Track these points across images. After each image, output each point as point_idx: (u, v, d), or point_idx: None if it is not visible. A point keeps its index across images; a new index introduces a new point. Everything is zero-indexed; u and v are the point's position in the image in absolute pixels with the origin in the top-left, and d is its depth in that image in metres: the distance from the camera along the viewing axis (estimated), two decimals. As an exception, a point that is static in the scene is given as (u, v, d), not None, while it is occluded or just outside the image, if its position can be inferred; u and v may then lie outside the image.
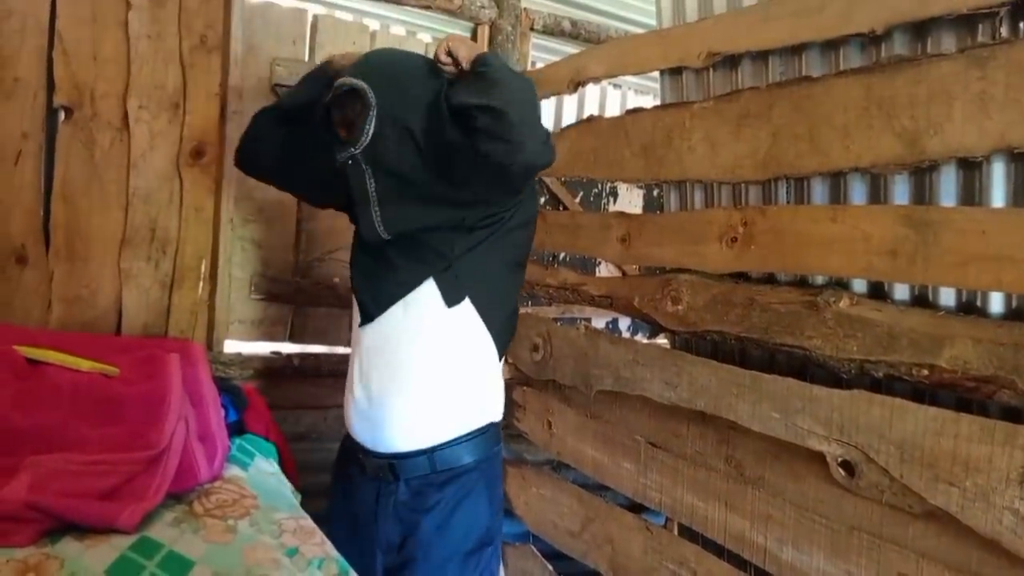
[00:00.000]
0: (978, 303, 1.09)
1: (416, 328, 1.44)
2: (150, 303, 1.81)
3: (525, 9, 2.16)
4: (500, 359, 1.55)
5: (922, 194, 1.15)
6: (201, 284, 1.86)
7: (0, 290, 1.67)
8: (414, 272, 1.43)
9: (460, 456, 1.47)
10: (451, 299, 1.42)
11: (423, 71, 1.41)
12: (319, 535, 1.25)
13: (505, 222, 1.46)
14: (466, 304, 1.44)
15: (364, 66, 1.40)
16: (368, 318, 1.49)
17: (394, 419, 1.45)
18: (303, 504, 1.43)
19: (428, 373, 1.45)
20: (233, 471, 1.40)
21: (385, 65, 1.42)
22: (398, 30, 2.38)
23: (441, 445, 1.46)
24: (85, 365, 1.44)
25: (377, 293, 1.48)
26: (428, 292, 1.43)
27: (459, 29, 2.33)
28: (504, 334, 1.54)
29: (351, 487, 1.56)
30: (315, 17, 2.12)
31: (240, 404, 1.65)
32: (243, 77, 1.93)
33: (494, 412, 1.55)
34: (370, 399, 1.47)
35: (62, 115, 1.72)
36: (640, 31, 2.23)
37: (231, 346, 1.94)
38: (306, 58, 2.08)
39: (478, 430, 1.50)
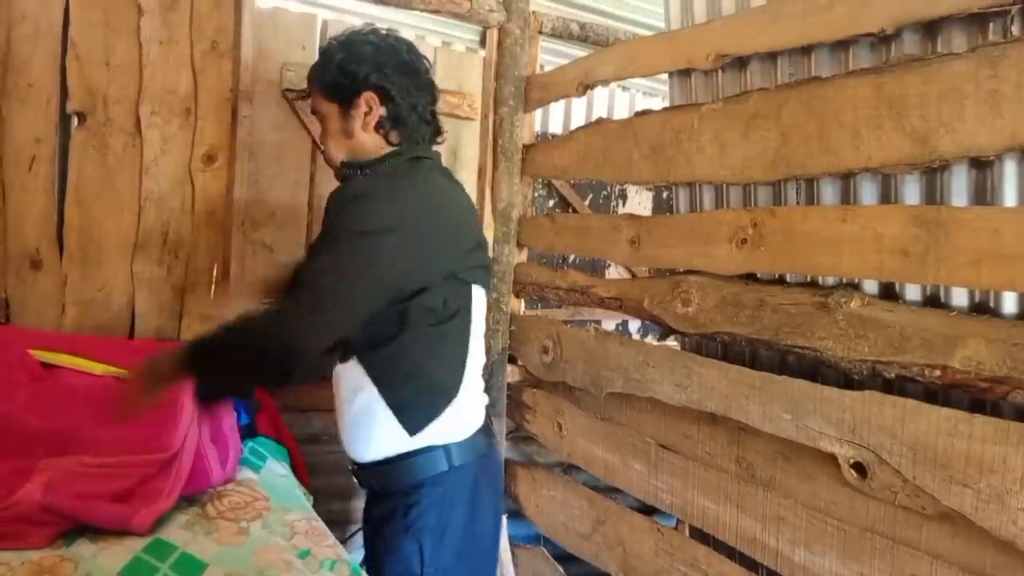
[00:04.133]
0: (991, 303, 1.08)
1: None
2: (163, 306, 1.83)
3: (534, 12, 2.15)
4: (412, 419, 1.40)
5: (933, 194, 1.14)
6: (213, 288, 1.87)
7: (15, 293, 1.69)
8: None
9: (384, 477, 1.41)
10: (343, 355, 1.41)
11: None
12: (331, 537, 1.25)
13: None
14: (354, 364, 1.39)
15: None
16: None
17: (341, 428, 1.46)
18: (315, 506, 1.44)
19: (348, 391, 1.41)
20: (245, 473, 1.41)
21: None
22: (407, 34, 2.39)
23: (371, 463, 1.41)
24: (98, 368, 1.45)
25: None
26: None
27: (468, 32, 2.33)
28: (411, 400, 1.38)
29: None
30: (324, 22, 2.14)
31: (252, 407, 1.66)
32: (253, 82, 1.94)
33: (432, 434, 1.38)
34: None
35: (75, 120, 1.74)
36: (648, 33, 2.23)
37: (242, 349, 1.95)
38: (316, 62, 2.08)
39: (407, 453, 1.38)
